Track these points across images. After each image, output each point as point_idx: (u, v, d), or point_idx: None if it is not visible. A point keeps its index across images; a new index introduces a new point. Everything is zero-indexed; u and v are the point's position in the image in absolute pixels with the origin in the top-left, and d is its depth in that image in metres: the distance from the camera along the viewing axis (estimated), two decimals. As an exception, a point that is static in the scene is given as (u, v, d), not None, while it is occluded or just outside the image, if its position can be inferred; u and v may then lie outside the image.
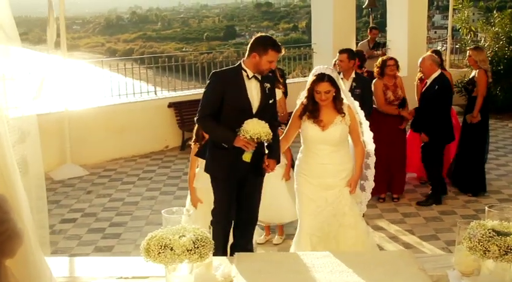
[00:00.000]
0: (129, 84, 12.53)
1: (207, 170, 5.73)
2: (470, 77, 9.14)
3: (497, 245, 3.87)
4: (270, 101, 5.57)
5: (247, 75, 5.42)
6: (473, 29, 16.79)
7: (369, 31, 14.18)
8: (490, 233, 3.95)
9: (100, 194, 9.55)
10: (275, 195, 6.64)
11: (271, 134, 5.29)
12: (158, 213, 8.29)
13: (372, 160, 5.99)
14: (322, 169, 5.65)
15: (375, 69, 8.58)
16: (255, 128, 5.16)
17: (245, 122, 5.22)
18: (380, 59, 8.76)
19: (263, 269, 4.46)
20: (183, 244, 3.86)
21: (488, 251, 3.89)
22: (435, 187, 8.62)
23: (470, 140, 8.93)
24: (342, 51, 8.11)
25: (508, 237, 3.92)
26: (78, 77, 13.03)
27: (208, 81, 5.59)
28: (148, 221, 8.07)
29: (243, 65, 5.47)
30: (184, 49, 65.21)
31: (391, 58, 8.79)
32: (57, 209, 8.86)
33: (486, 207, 4.20)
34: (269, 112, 5.55)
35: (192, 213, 5.78)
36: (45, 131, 10.41)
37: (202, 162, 6.19)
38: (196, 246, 3.87)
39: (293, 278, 4.31)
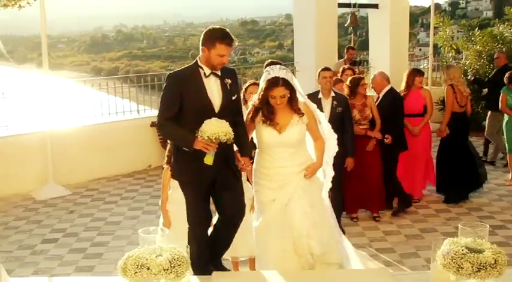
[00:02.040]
0: (112, 103, 12.50)
1: (173, 176, 5.59)
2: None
3: (470, 262, 3.94)
4: (233, 97, 5.27)
5: (205, 73, 5.11)
6: (455, 47, 16.95)
7: (346, 50, 14.29)
8: (463, 250, 4.02)
9: (82, 213, 9.50)
10: (243, 228, 5.78)
11: (231, 133, 4.96)
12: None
13: (330, 155, 5.73)
14: (281, 171, 5.36)
15: (345, 89, 8.61)
16: (212, 128, 4.87)
17: (203, 123, 4.92)
18: (351, 78, 8.68)
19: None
20: (159, 263, 3.91)
21: (462, 268, 3.96)
22: (400, 194, 8.97)
23: (445, 153, 9.44)
24: (326, 69, 7.96)
25: (480, 255, 3.99)
26: (62, 95, 13.06)
27: (164, 84, 5.25)
28: (130, 240, 8.04)
29: (199, 62, 5.15)
30: (169, 67, 65.24)
31: (363, 77, 8.93)
32: (38, 228, 8.82)
33: (460, 225, 4.28)
34: (233, 109, 5.28)
35: (169, 234, 5.81)
36: (27, 150, 10.56)
37: (173, 183, 6.03)
38: (172, 265, 3.92)
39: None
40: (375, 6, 15.53)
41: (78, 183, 11.12)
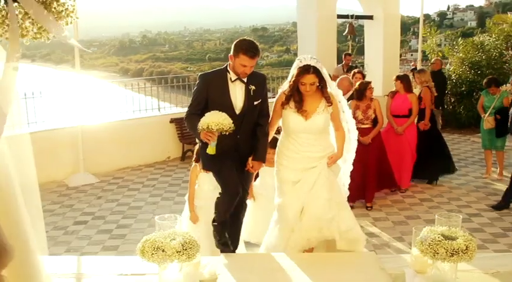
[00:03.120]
0: (137, 101, 12.62)
1: (205, 168, 5.44)
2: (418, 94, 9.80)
3: (444, 248, 3.99)
4: (255, 103, 5.09)
5: (231, 78, 5.03)
6: (441, 54, 16.91)
7: (343, 56, 14.29)
8: (439, 237, 4.07)
9: (109, 199, 9.58)
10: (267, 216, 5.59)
11: (224, 124, 4.74)
12: (159, 217, 8.40)
13: (353, 145, 5.57)
14: (304, 156, 5.09)
15: (354, 92, 8.72)
16: (206, 120, 4.75)
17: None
18: (360, 82, 8.83)
19: (245, 268, 4.58)
20: (173, 246, 3.98)
21: (437, 253, 4.01)
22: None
23: (426, 141, 9.63)
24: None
25: (454, 241, 4.04)
26: (92, 94, 13.11)
27: (197, 82, 5.22)
28: (150, 223, 8.08)
29: (228, 67, 5.07)
30: (188, 68, 65.39)
31: (370, 82, 8.98)
32: (70, 212, 8.91)
33: (436, 215, 4.32)
34: (255, 113, 5.14)
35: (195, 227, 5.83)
36: (62, 143, 10.66)
37: (200, 180, 5.96)
38: (184, 248, 3.98)
39: (270, 276, 4.42)
40: (370, 17, 15.51)
41: (106, 172, 11.19)
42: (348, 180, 5.73)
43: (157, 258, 3.98)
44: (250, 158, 5.20)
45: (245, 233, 5.91)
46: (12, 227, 3.45)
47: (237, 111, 5.02)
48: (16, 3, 3.73)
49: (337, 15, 14.96)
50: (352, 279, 4.40)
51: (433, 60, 13.36)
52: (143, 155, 11.89)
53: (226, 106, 4.94)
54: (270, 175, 5.63)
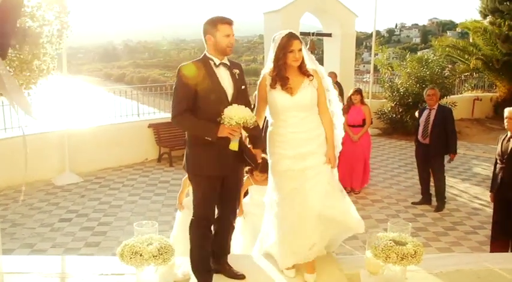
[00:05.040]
0: (119, 105, 12.42)
1: (187, 168, 4.23)
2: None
3: (395, 253, 3.99)
4: (242, 87, 4.23)
5: (215, 63, 4.09)
6: (390, 68, 17.06)
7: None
8: (390, 243, 4.06)
9: (91, 197, 9.37)
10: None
11: (252, 115, 4.01)
12: (138, 215, 8.29)
13: (339, 133, 4.64)
14: (296, 137, 4.34)
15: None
16: (238, 113, 3.92)
17: (225, 110, 3.94)
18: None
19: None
20: (150, 251, 3.88)
21: (389, 257, 4.00)
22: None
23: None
24: None
25: (404, 247, 4.03)
26: (78, 98, 12.88)
27: (177, 77, 4.07)
28: (129, 221, 7.93)
29: (207, 54, 4.12)
30: (165, 74, 64.72)
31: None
32: (56, 210, 8.68)
33: (389, 223, 4.31)
34: (243, 98, 4.20)
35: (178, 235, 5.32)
36: (49, 145, 10.42)
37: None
38: (160, 252, 3.90)
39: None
40: (329, 35, 15.57)
41: (89, 172, 10.96)
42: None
43: (135, 262, 3.89)
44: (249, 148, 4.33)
45: (234, 251, 5.17)
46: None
47: (229, 99, 4.10)
48: None
49: (300, 32, 14.94)
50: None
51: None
52: (123, 156, 11.68)
53: (218, 94, 4.05)
54: (259, 193, 5.27)
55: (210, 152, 4.03)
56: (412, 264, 4.03)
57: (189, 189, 4.94)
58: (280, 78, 4.32)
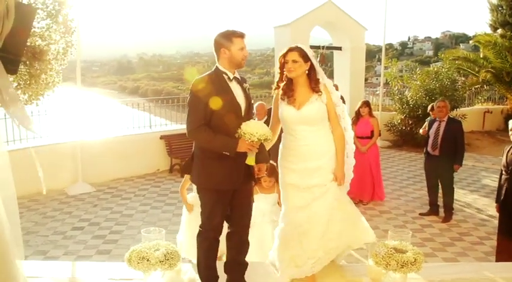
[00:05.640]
0: (131, 118, 12.62)
1: (196, 181, 4.22)
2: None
3: (396, 260, 4.07)
4: (252, 101, 4.28)
5: (229, 77, 4.06)
6: (401, 81, 17.12)
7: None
8: (391, 251, 4.14)
9: (104, 207, 9.52)
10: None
11: (269, 130, 4.03)
12: (149, 224, 8.40)
13: (350, 148, 4.62)
14: (305, 150, 4.32)
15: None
16: (259, 129, 3.92)
17: (243, 125, 3.94)
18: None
19: None
20: (156, 256, 4.00)
21: (390, 264, 4.09)
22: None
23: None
24: None
25: (404, 254, 4.11)
26: (93, 110, 13.06)
27: (191, 91, 4.03)
28: (140, 230, 7.96)
29: (221, 68, 4.08)
30: (179, 87, 65.25)
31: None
32: (69, 218, 8.84)
33: (389, 231, 4.39)
34: (251, 113, 4.24)
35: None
36: (63, 156, 10.60)
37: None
38: (167, 258, 4.02)
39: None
40: (339, 48, 15.72)
41: (102, 182, 11.13)
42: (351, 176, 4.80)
43: (142, 267, 4.00)
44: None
45: None
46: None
47: (243, 113, 4.10)
48: None
49: (310, 46, 15.08)
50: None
51: None
52: (135, 167, 11.85)
53: (234, 108, 4.04)
54: (265, 201, 5.36)
55: (222, 166, 4.02)
56: (412, 271, 4.10)
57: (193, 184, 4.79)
58: (285, 90, 4.39)
